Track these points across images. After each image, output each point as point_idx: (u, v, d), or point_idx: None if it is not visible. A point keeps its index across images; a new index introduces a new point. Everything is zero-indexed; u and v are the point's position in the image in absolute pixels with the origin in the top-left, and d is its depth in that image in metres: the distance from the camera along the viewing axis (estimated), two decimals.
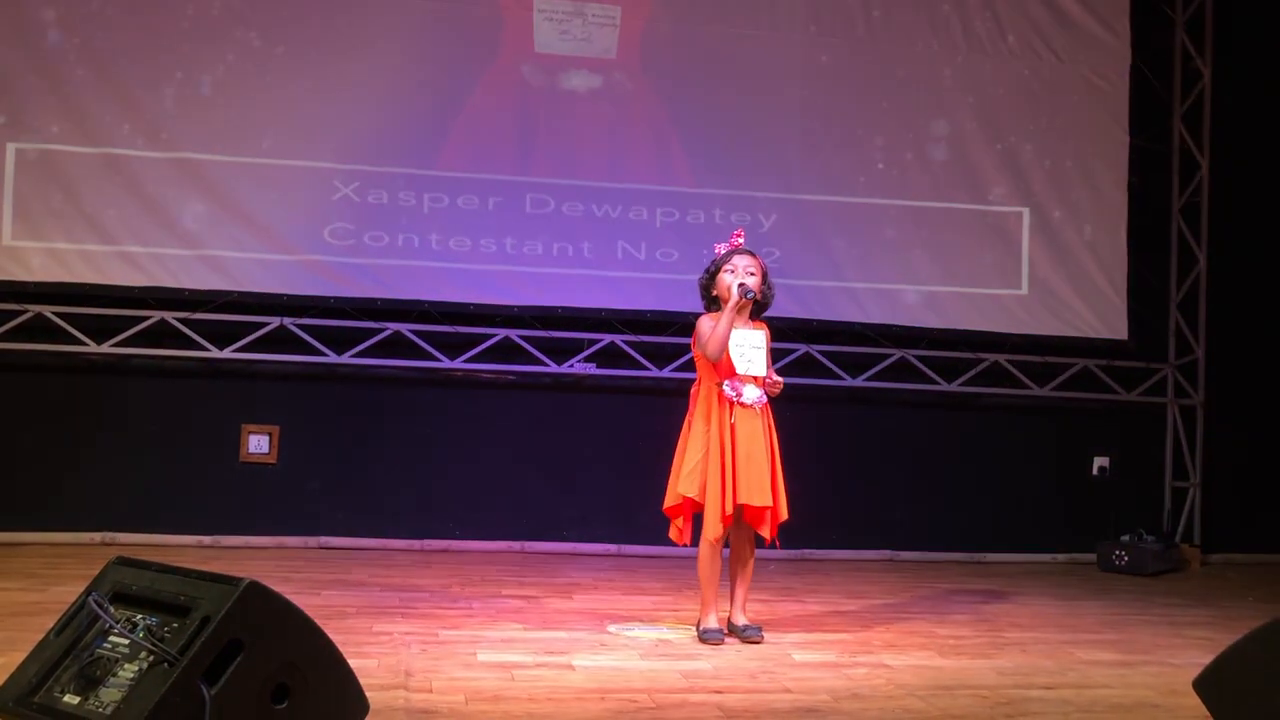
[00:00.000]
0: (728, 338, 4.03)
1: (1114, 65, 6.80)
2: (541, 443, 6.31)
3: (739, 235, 4.23)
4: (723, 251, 4.19)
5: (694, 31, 6.33)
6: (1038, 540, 6.69)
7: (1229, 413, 6.98)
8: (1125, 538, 6.44)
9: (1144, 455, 6.97)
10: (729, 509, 3.98)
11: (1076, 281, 6.70)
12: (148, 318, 5.81)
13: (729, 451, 4.00)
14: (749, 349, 4.08)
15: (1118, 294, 6.74)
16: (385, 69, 6.03)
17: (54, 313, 5.73)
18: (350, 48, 5.98)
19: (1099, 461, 6.94)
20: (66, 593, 4.38)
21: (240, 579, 2.36)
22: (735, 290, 4.05)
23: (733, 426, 4.02)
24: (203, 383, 5.96)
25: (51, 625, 2.51)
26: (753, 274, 4.10)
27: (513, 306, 6.13)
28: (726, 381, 4.07)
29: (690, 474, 4.02)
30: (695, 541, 4.12)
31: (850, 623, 4.49)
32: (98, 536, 5.71)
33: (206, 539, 5.82)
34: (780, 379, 4.18)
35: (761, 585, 4.25)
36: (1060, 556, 6.68)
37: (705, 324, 4.12)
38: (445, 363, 6.12)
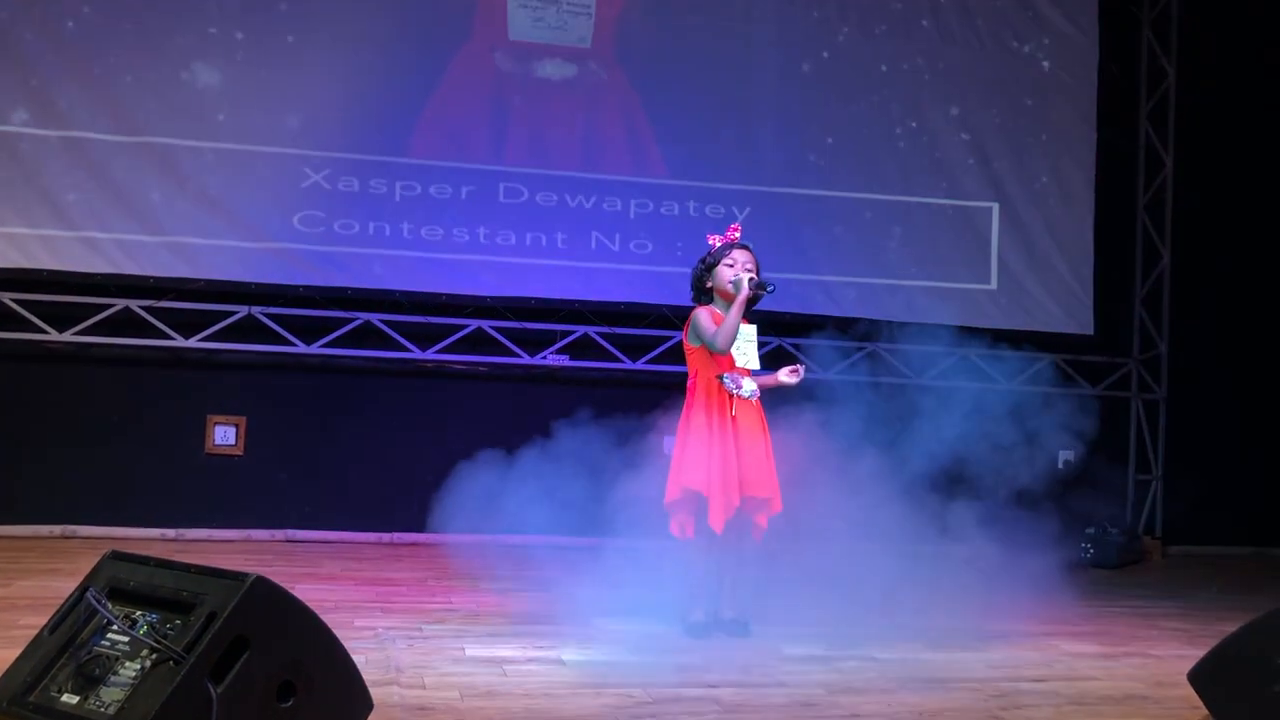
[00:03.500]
0: (736, 329, 3.98)
1: (1081, 62, 6.86)
2: (513, 435, 6.22)
3: (736, 229, 4.17)
4: (718, 245, 4.13)
5: (669, 22, 6.30)
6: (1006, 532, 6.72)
7: (1190, 407, 7.08)
8: (1090, 530, 6.51)
9: (1108, 449, 7.04)
10: (735, 500, 3.95)
11: (1044, 277, 6.76)
12: (111, 305, 5.67)
13: (732, 444, 3.97)
14: (743, 342, 4.05)
15: (1084, 289, 6.80)
16: (357, 55, 5.94)
17: (13, 300, 5.57)
18: (322, 33, 5.89)
19: (1063, 455, 6.99)
20: (31, 587, 4.25)
21: (246, 574, 2.30)
22: (746, 284, 3.98)
23: (734, 419, 3.99)
24: (167, 372, 5.84)
25: (44, 622, 2.42)
26: (750, 269, 4.05)
27: (485, 297, 6.07)
28: (726, 375, 4.03)
29: (693, 466, 3.96)
30: (692, 534, 4.08)
31: (835, 616, 4.47)
32: (58, 529, 5.57)
33: (170, 532, 5.70)
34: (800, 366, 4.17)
35: (744, 578, 4.25)
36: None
37: (705, 316, 4.03)
38: (416, 353, 6.05)
